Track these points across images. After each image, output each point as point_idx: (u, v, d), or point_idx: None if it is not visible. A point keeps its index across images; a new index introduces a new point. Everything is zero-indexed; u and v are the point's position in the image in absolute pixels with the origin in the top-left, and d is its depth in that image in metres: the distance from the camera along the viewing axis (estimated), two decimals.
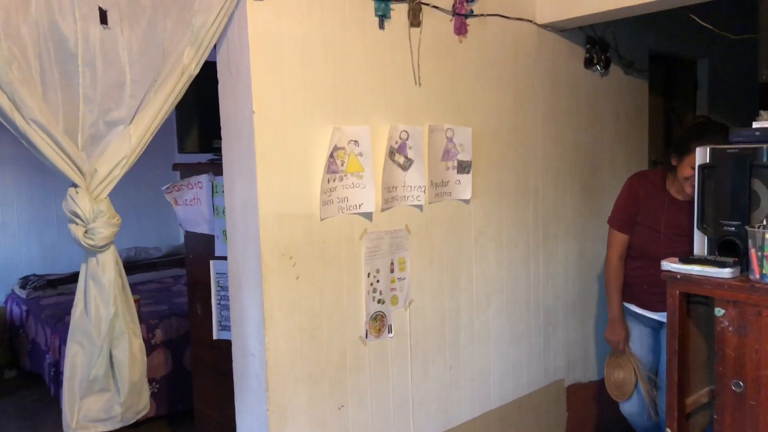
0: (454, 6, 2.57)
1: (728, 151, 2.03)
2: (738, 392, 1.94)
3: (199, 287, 2.82)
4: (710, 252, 2.09)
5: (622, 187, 2.80)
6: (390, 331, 2.46)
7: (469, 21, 2.64)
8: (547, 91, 3.07)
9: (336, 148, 2.21)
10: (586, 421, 3.47)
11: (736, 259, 1.97)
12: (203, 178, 2.63)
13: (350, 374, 2.33)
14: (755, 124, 2.05)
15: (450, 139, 2.60)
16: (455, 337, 2.73)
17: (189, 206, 2.72)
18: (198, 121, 2.75)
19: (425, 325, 2.60)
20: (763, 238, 1.84)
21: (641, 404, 2.81)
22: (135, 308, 1.89)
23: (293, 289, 2.15)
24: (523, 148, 2.97)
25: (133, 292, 4.04)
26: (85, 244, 1.72)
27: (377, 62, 2.34)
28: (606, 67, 3.36)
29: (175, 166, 2.93)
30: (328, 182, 2.20)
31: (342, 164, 2.24)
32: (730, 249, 2.03)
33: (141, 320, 3.65)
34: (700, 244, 2.14)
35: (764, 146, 1.95)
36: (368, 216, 2.35)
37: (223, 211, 2.29)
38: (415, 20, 2.41)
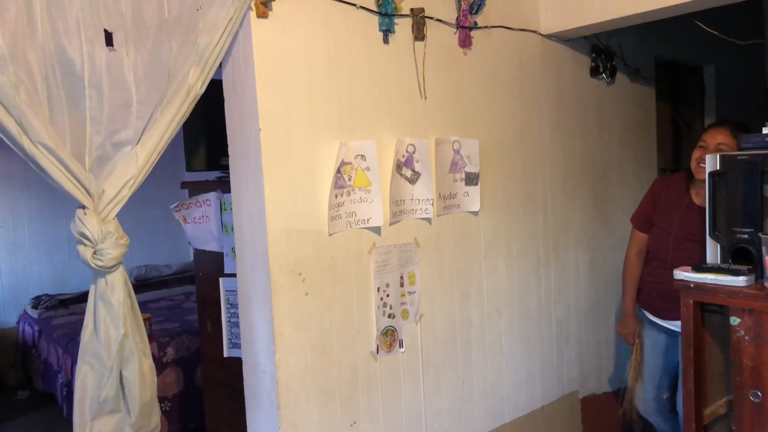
0: (457, 19, 2.57)
1: (738, 157, 2.01)
2: (756, 402, 1.91)
3: (209, 305, 2.81)
4: (723, 260, 2.07)
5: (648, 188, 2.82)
6: (401, 345, 2.45)
7: (473, 33, 2.64)
8: (553, 101, 3.06)
9: (343, 163, 2.20)
10: None
11: (750, 267, 1.94)
12: (211, 196, 2.63)
13: (362, 390, 2.31)
14: (765, 130, 2.03)
15: (457, 152, 2.60)
16: (467, 351, 2.71)
17: (198, 224, 2.72)
18: (205, 139, 2.77)
19: (436, 339, 2.58)
20: None
21: (647, 397, 2.79)
22: (144, 328, 1.88)
23: (303, 305, 2.14)
24: (531, 159, 2.96)
25: (144, 310, 4.06)
26: (94, 266, 1.72)
27: (382, 76, 2.34)
28: (612, 75, 3.35)
29: (184, 185, 2.94)
30: (336, 197, 2.20)
31: (349, 179, 2.23)
32: (743, 256, 2.00)
33: (152, 338, 3.66)
34: (712, 252, 2.11)
35: None
36: (377, 230, 2.34)
37: (232, 228, 2.29)
38: (419, 34, 2.42)
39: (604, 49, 3.29)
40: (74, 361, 3.64)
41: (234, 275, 2.32)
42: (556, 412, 3.14)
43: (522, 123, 2.91)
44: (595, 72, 3.26)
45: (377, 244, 2.35)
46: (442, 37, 2.53)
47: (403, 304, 2.45)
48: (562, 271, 3.16)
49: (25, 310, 4.83)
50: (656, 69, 3.75)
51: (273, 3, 2.00)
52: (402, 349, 2.45)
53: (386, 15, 2.32)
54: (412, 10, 2.39)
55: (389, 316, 2.40)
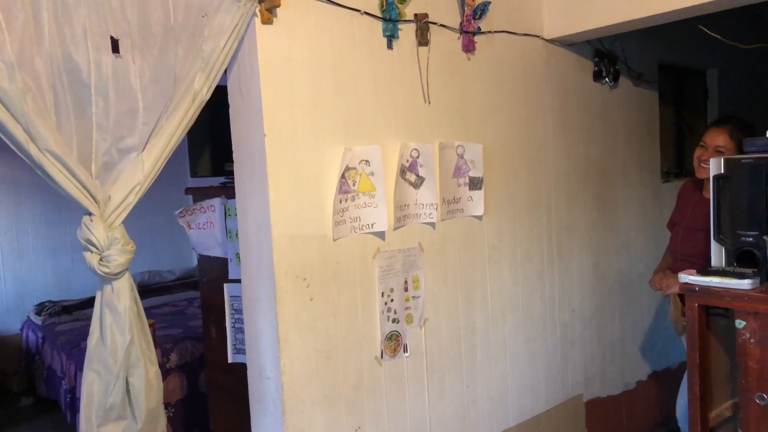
0: (461, 24, 2.58)
1: (743, 161, 2.01)
2: (762, 405, 1.90)
3: (214, 310, 2.81)
4: (728, 263, 2.06)
5: None
6: (405, 350, 2.44)
7: (476, 38, 2.65)
8: (556, 106, 3.07)
9: (347, 168, 2.21)
10: None
11: (755, 270, 1.94)
12: (216, 202, 2.64)
13: (366, 395, 2.31)
14: None
15: (461, 156, 2.60)
16: (471, 355, 2.70)
17: (202, 230, 2.72)
18: (210, 144, 2.77)
19: (441, 344, 2.58)
20: None
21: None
22: (150, 334, 1.89)
23: (308, 310, 2.14)
24: (535, 163, 2.97)
25: (148, 315, 4.05)
26: (100, 272, 1.72)
27: (386, 82, 2.35)
28: (615, 79, 3.36)
29: (188, 190, 2.95)
30: (341, 202, 2.20)
31: (354, 184, 2.24)
32: (748, 259, 2.00)
33: (156, 344, 3.64)
34: (717, 255, 2.11)
35: None
36: (381, 235, 2.34)
37: (236, 234, 2.30)
38: (423, 39, 2.43)
39: (607, 54, 3.29)
40: (78, 368, 3.64)
41: (238, 281, 2.32)
42: (561, 416, 3.14)
43: (526, 127, 2.91)
44: (598, 76, 3.27)
45: (381, 248, 2.35)
46: (445, 42, 2.54)
47: (407, 308, 2.45)
48: (566, 275, 3.15)
49: (28, 317, 4.83)
50: (659, 73, 3.76)
51: (278, 9, 2.01)
52: (406, 354, 2.45)
53: (390, 21, 2.33)
54: (415, 15, 2.40)
55: (393, 321, 2.40)
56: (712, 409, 2.15)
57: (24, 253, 4.95)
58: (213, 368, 2.97)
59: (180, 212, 2.78)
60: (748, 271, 1.94)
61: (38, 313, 4.70)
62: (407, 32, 2.40)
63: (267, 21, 1.99)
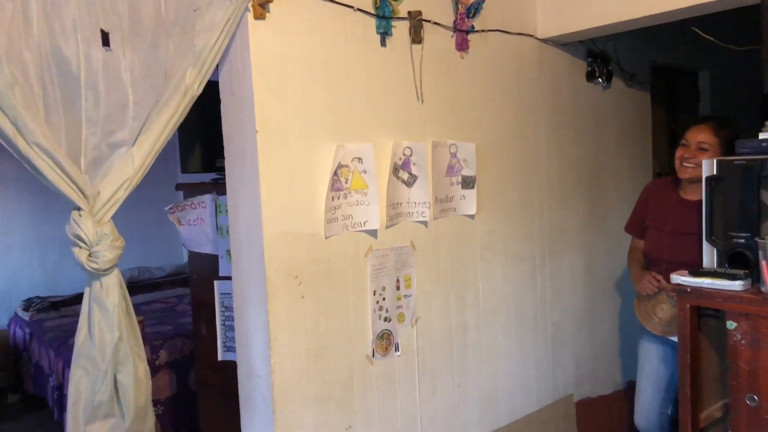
0: (455, 22, 2.57)
1: (735, 162, 2.01)
2: (753, 406, 1.91)
3: (204, 308, 2.79)
4: (720, 264, 2.07)
5: None
6: (397, 349, 2.44)
7: (470, 37, 2.64)
8: (549, 105, 3.07)
9: (340, 166, 2.20)
10: None
11: (747, 272, 1.95)
12: (206, 198, 2.62)
13: (357, 394, 2.30)
14: (761, 135, 2.03)
15: (454, 155, 2.59)
16: (463, 354, 2.70)
17: (192, 226, 2.70)
18: (201, 140, 2.75)
19: (432, 343, 2.57)
20: None
21: (650, 411, 2.75)
22: (139, 331, 1.87)
23: (299, 308, 2.12)
24: (527, 163, 2.96)
25: (137, 312, 4.01)
26: (89, 268, 1.70)
27: (380, 79, 2.33)
28: (608, 80, 3.36)
29: (179, 186, 2.92)
30: (333, 200, 2.19)
31: (346, 182, 2.22)
32: (740, 261, 2.00)
33: (145, 341, 3.60)
34: (709, 256, 2.11)
35: None
36: (373, 233, 2.33)
37: (227, 231, 2.28)
38: (416, 37, 2.41)
39: (600, 54, 3.30)
40: (66, 364, 3.60)
41: (229, 278, 2.30)
42: (552, 415, 3.14)
43: (518, 126, 2.91)
44: (591, 76, 3.27)
45: (374, 247, 2.34)
46: (439, 40, 2.53)
47: (399, 307, 2.44)
48: (557, 274, 3.16)
49: (16, 313, 4.78)
50: (652, 74, 3.77)
51: (270, 5, 1.99)
52: (398, 353, 2.44)
53: (384, 18, 2.31)
54: (409, 13, 2.39)
55: (385, 319, 2.39)
56: (702, 410, 2.16)
57: (11, 248, 4.89)
58: (203, 366, 2.95)
59: (170, 208, 2.76)
60: (740, 272, 1.95)
61: (26, 309, 4.65)
62: (401, 30, 2.39)
63: (260, 16, 1.97)
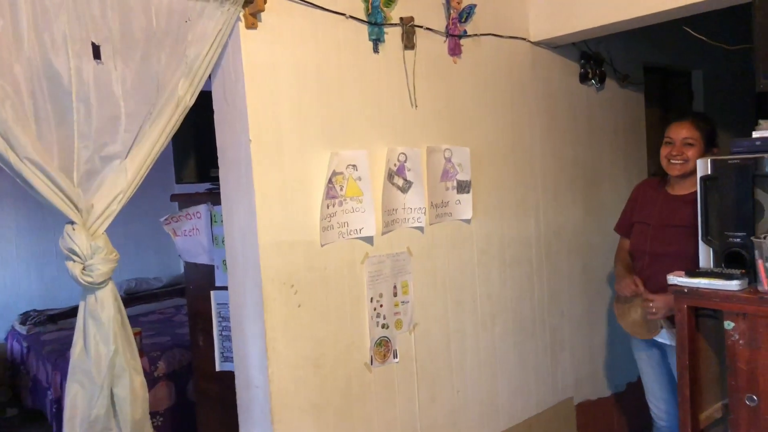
0: (447, 27, 2.57)
1: (729, 161, 2.01)
2: (752, 406, 1.90)
3: (201, 318, 2.78)
4: (716, 264, 2.07)
5: None
6: (395, 356, 2.43)
7: (462, 41, 2.64)
8: (543, 108, 3.07)
9: (334, 173, 2.19)
10: None
11: (744, 271, 1.94)
12: (201, 208, 2.61)
13: (356, 402, 2.29)
14: (755, 134, 2.03)
15: (448, 160, 2.59)
16: (461, 360, 2.69)
17: (188, 237, 2.69)
18: (195, 150, 2.74)
19: (430, 349, 2.56)
20: None
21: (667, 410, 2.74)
22: (135, 344, 1.85)
23: (296, 317, 2.12)
24: (522, 166, 2.96)
25: (135, 323, 4.00)
26: (83, 282, 1.69)
27: (373, 86, 2.33)
28: (601, 81, 3.37)
29: (173, 197, 2.91)
30: (328, 207, 2.18)
31: (341, 189, 2.22)
32: (736, 260, 2.00)
33: (143, 353, 3.62)
34: (705, 256, 2.11)
35: (766, 156, 1.93)
36: (369, 240, 2.33)
37: (223, 241, 2.27)
38: (409, 43, 2.41)
39: (593, 56, 3.30)
40: (64, 378, 3.58)
41: (225, 288, 2.29)
42: (552, 419, 3.13)
43: (513, 130, 2.91)
44: (584, 78, 3.28)
45: (370, 254, 2.33)
46: (431, 45, 2.53)
47: (396, 314, 2.44)
48: (555, 277, 3.15)
49: (13, 327, 4.76)
50: (645, 74, 3.77)
51: (262, 14, 1.99)
52: (396, 360, 2.43)
53: (376, 24, 2.32)
54: (401, 19, 2.39)
55: (383, 326, 2.39)
56: (702, 411, 2.15)
57: (8, 261, 4.87)
58: (201, 376, 2.94)
59: (165, 219, 2.75)
60: (736, 272, 1.94)
61: (23, 323, 4.63)
62: (393, 36, 2.39)
63: (251, 26, 1.97)
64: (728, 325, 1.93)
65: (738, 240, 1.99)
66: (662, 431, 2.77)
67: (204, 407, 2.97)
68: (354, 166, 2.25)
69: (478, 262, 2.76)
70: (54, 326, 4.56)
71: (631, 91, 3.64)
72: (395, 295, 2.44)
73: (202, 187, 2.80)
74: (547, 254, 3.11)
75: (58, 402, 3.70)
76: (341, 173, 2.22)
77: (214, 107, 2.12)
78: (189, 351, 3.55)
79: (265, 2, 1.98)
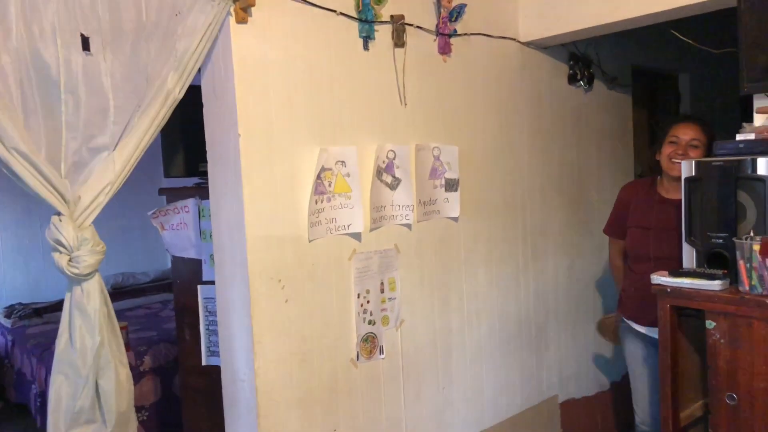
0: (437, 26, 2.58)
1: (713, 163, 2.04)
2: (732, 405, 1.93)
3: (187, 313, 2.78)
4: (699, 264, 2.09)
5: None
6: (381, 352, 2.44)
7: (452, 40, 2.65)
8: (532, 108, 3.09)
9: (323, 169, 2.20)
10: None
11: (725, 271, 1.97)
12: (190, 203, 2.61)
13: (342, 397, 2.30)
14: (739, 137, 2.06)
15: (437, 158, 2.61)
16: (447, 357, 2.71)
17: (176, 231, 2.69)
18: (184, 145, 2.74)
19: (417, 346, 2.58)
20: (751, 250, 1.85)
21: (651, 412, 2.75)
22: (121, 336, 1.85)
23: (282, 312, 2.12)
24: (510, 165, 2.98)
25: (121, 318, 3.98)
26: (70, 273, 1.69)
27: (363, 83, 2.34)
28: (590, 83, 3.40)
29: (161, 191, 2.91)
30: (316, 203, 2.19)
31: (329, 185, 2.23)
32: (718, 261, 2.03)
33: (129, 347, 3.60)
34: (688, 256, 2.14)
35: (748, 158, 1.96)
36: (357, 236, 2.34)
37: (210, 235, 2.27)
38: (399, 41, 2.43)
39: (581, 57, 3.33)
40: (49, 371, 3.56)
41: (212, 283, 2.29)
42: (536, 416, 3.16)
43: (501, 129, 2.93)
44: (573, 79, 3.30)
45: (358, 250, 2.34)
46: (422, 44, 2.54)
47: (383, 310, 2.45)
48: (541, 276, 3.18)
49: None
50: (633, 76, 3.81)
51: (253, 9, 1.99)
52: (382, 356, 2.44)
53: (366, 22, 2.32)
54: (392, 17, 2.40)
55: (369, 322, 2.40)
56: (683, 410, 2.18)
57: None
58: (187, 371, 2.93)
59: (153, 213, 2.74)
60: (719, 272, 1.97)
61: (7, 316, 4.59)
62: (383, 33, 2.40)
63: (242, 20, 1.97)
64: (710, 324, 1.96)
65: (720, 241, 2.02)
66: None
67: (190, 402, 2.97)
68: (343, 162, 2.26)
69: (465, 260, 2.78)
70: (39, 320, 4.54)
71: (618, 93, 3.68)
72: (382, 291, 2.45)
73: (191, 181, 2.80)
74: (534, 253, 3.13)
75: (43, 396, 3.68)
76: (330, 169, 2.22)
77: (204, 101, 2.12)
78: (175, 346, 3.54)
79: None
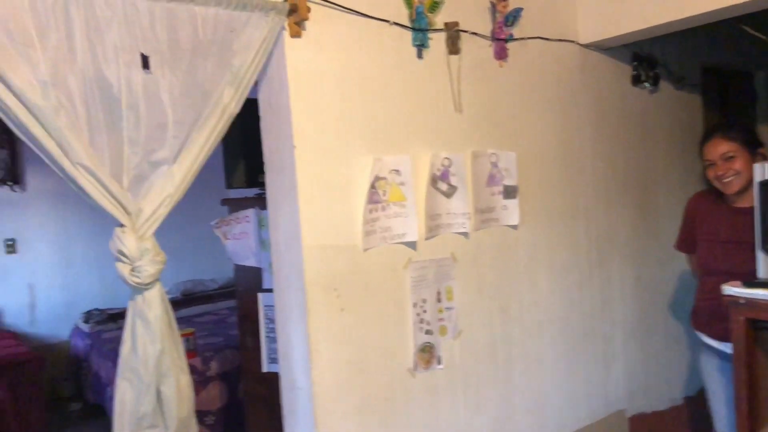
0: (493, 32, 2.55)
1: None
2: None
3: (249, 320, 2.84)
4: None
5: None
6: (439, 362, 2.41)
7: (509, 45, 2.61)
8: (593, 111, 3.00)
9: (377, 178, 2.20)
10: None
11: None
12: (250, 212, 2.67)
13: (399, 407, 2.29)
14: None
15: (494, 165, 2.57)
16: (508, 368, 2.65)
17: (237, 240, 2.76)
18: (244, 157, 2.81)
19: (476, 356, 2.54)
20: None
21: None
22: (182, 344, 1.91)
23: (338, 321, 2.14)
24: (571, 170, 2.90)
25: (190, 324, 4.10)
26: (132, 282, 1.76)
27: (416, 91, 2.33)
28: (655, 83, 3.26)
29: (224, 201, 2.99)
30: (370, 212, 2.19)
31: (384, 194, 2.23)
32: None
33: (196, 353, 3.72)
34: (764, 265, 2.01)
35: None
36: (412, 245, 2.33)
37: (269, 245, 2.31)
38: (453, 48, 2.41)
39: (646, 57, 3.21)
40: None
41: (272, 290, 2.34)
42: (603, 431, 3.04)
43: (561, 134, 2.86)
44: (637, 81, 3.18)
45: (413, 259, 2.33)
46: (477, 50, 2.51)
47: (440, 320, 2.42)
48: (606, 285, 3.07)
49: (76, 325, 4.99)
50: (703, 76, 3.63)
51: (306, 22, 2.03)
52: (440, 366, 2.42)
53: (420, 30, 2.32)
54: (446, 24, 2.39)
55: (426, 332, 2.38)
56: (760, 427, 2.05)
57: (72, 262, 5.11)
58: (249, 378, 3.00)
59: (216, 223, 2.83)
60: None
61: (86, 321, 4.84)
62: (437, 41, 2.38)
63: (296, 34, 2.01)
64: None
65: None
66: None
67: (252, 408, 3.03)
68: (397, 171, 2.26)
69: (525, 268, 2.71)
70: (114, 325, 4.75)
71: (687, 94, 3.52)
72: (439, 300, 2.42)
73: (251, 192, 2.87)
74: (599, 261, 3.03)
75: None
76: (384, 178, 2.23)
77: (261, 114, 2.17)
78: (240, 352, 3.63)
79: (308, 11, 2.01)
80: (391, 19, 2.24)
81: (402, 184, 2.27)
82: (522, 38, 2.66)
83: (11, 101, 1.52)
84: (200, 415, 3.30)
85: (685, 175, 3.51)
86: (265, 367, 2.64)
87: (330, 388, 2.11)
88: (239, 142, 2.71)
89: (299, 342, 2.12)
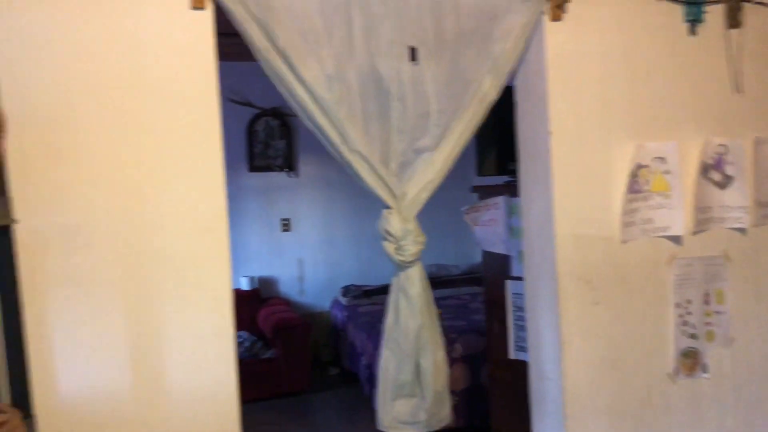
0: None
1: None
2: None
3: (496, 306, 2.88)
4: None
5: None
6: (705, 370, 2.20)
7: None
8: None
9: (639, 166, 2.07)
10: None
11: None
12: (500, 200, 2.70)
13: (657, 413, 2.14)
14: None
15: None
16: None
17: (486, 227, 2.81)
18: (495, 144, 2.84)
19: (752, 369, 2.26)
20: None
21: None
22: (439, 322, 2.01)
23: (591, 315, 2.06)
24: None
25: (436, 306, 4.25)
26: (396, 259, 1.90)
27: (686, 71, 2.14)
28: None
29: (474, 188, 3.06)
30: (630, 202, 2.07)
31: (646, 183, 2.09)
32: None
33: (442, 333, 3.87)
34: None
35: None
36: (676, 240, 2.14)
37: (519, 232, 2.32)
38: (734, 21, 2.14)
39: None
40: (375, 346, 4.04)
41: (520, 278, 2.34)
42: None
43: None
44: None
45: (677, 255, 2.14)
46: (763, 22, 2.20)
47: (707, 324, 2.20)
48: None
49: (336, 298, 5.54)
50: None
51: (568, 4, 1.97)
52: (706, 374, 2.20)
53: (694, 3, 2.11)
54: None
55: (691, 336, 2.18)
56: None
57: (334, 242, 5.68)
58: (495, 363, 3.04)
59: (466, 209, 2.91)
60: None
61: (344, 295, 5.37)
62: (714, 15, 2.14)
63: (556, 18, 1.97)
64: None
65: None
66: None
67: (497, 392, 3.07)
68: (661, 158, 2.09)
69: None
70: (368, 300, 5.18)
71: None
72: (707, 303, 2.20)
73: (501, 179, 2.89)
74: None
75: (370, 367, 4.19)
76: (647, 166, 2.08)
77: (517, 100, 2.17)
78: (483, 337, 3.69)
79: None
80: None
81: (667, 172, 2.10)
82: None
83: (303, 94, 1.74)
84: None
85: None
86: (512, 354, 2.65)
87: (581, 383, 2.06)
88: (492, 129, 2.74)
89: (550, 332, 2.09)
